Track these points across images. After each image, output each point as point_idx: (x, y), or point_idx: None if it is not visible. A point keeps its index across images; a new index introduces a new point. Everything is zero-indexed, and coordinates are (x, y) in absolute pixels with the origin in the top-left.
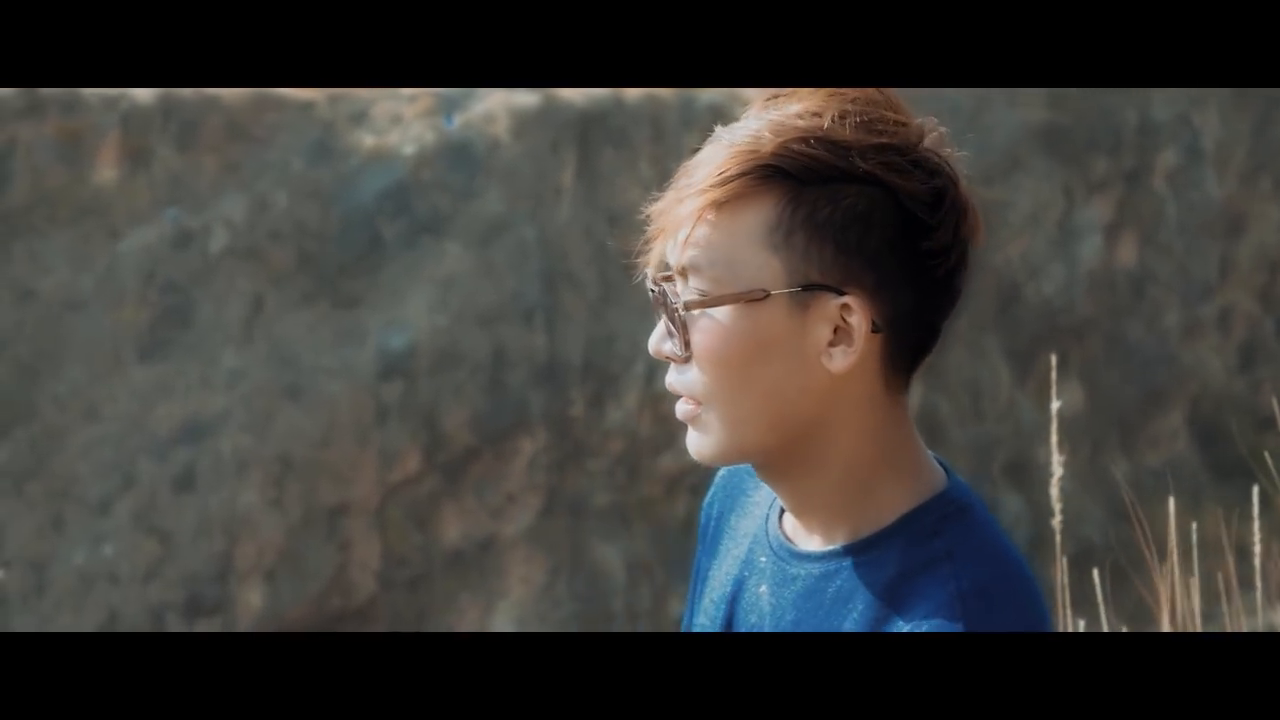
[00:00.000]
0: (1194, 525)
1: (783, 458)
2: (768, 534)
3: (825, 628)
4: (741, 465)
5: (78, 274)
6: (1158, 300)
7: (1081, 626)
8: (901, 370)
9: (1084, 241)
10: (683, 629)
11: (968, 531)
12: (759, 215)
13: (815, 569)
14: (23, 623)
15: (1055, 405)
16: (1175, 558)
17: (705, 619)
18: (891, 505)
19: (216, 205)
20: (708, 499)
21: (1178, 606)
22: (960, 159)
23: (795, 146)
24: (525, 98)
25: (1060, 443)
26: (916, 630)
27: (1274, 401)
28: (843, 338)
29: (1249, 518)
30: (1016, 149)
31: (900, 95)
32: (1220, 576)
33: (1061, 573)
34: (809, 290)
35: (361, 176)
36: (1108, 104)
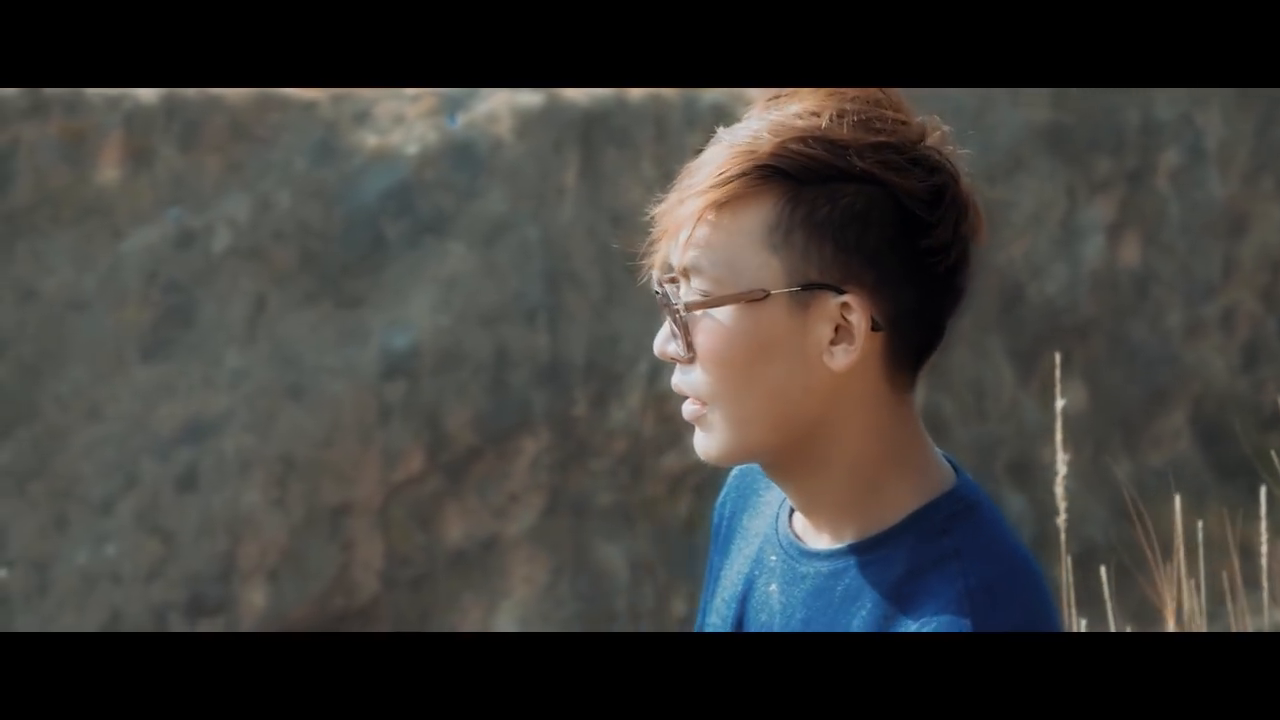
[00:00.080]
0: (1199, 524)
1: (789, 457)
2: (778, 533)
3: (834, 626)
4: (751, 465)
5: (80, 274)
6: (1161, 300)
7: (1084, 626)
8: (905, 368)
9: (1087, 241)
10: (695, 629)
11: (976, 529)
12: (758, 215)
13: (824, 567)
14: (25, 623)
15: (1060, 404)
16: (1181, 556)
17: (717, 618)
18: (899, 503)
19: (219, 205)
20: (720, 499)
21: (1183, 606)
22: (963, 158)
23: (793, 146)
24: (528, 97)
25: (1064, 442)
26: (924, 628)
27: (1277, 401)
28: (844, 336)
29: (1253, 517)
30: (1019, 149)
31: (904, 95)
32: (1225, 576)
33: (1066, 572)
34: (809, 289)
35: (364, 176)
36: (1110, 104)
